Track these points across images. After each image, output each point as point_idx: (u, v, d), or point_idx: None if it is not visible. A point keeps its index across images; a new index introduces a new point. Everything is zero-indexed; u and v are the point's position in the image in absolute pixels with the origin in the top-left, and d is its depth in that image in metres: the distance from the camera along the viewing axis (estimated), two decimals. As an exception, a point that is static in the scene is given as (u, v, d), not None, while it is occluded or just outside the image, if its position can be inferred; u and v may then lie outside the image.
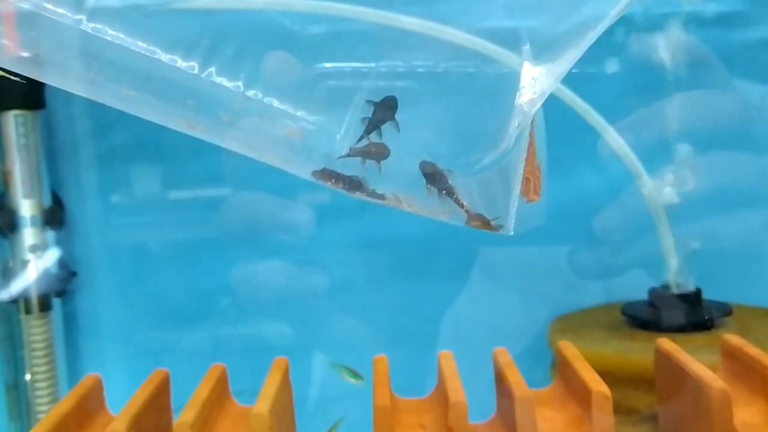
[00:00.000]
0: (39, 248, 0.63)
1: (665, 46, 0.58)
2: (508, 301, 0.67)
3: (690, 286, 0.56)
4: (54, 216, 0.64)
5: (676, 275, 0.56)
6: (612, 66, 0.61)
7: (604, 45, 0.60)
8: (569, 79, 0.60)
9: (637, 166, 0.55)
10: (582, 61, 0.61)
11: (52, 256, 0.65)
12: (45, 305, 0.64)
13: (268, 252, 0.66)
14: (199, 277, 0.68)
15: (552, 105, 0.53)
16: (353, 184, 0.35)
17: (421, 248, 0.67)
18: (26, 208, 0.63)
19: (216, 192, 0.67)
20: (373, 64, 0.35)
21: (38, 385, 0.63)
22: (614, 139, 0.55)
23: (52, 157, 0.66)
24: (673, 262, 0.55)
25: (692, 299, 0.56)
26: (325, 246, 0.66)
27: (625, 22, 0.60)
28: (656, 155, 0.58)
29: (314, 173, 0.35)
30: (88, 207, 0.67)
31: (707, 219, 0.59)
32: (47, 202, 0.64)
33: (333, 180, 0.35)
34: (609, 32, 0.60)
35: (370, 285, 0.68)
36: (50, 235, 0.64)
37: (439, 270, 0.67)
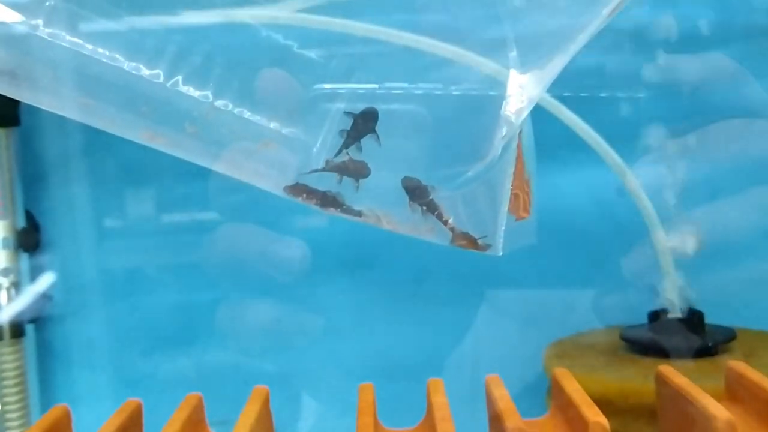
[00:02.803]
0: (11, 271, 0.61)
1: (701, 70, 0.57)
2: (504, 325, 0.65)
3: (692, 310, 0.54)
4: (28, 238, 0.62)
5: (678, 299, 0.53)
6: (643, 90, 0.59)
7: (635, 67, 0.59)
8: (592, 105, 0.60)
9: (652, 215, 0.53)
10: (611, 85, 0.60)
11: (46, 280, 0.63)
12: (17, 332, 0.62)
13: (257, 276, 0.64)
14: (179, 304, 0.66)
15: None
16: (327, 199, 0.33)
17: (414, 272, 0.65)
18: (-2, 229, 0.61)
19: (204, 216, 0.65)
20: (352, 75, 0.33)
21: (9, 415, 0.61)
22: (631, 182, 0.53)
23: (28, 177, 0.64)
24: (674, 285, 0.53)
25: (694, 324, 0.53)
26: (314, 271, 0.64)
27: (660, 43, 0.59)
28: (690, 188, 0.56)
29: (286, 188, 0.33)
30: (64, 229, 0.65)
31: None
32: (21, 223, 0.62)
33: (305, 195, 0.32)
34: (642, 54, 0.60)
35: (360, 310, 0.65)
36: (24, 258, 0.62)
37: (432, 294, 0.65)
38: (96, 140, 0.64)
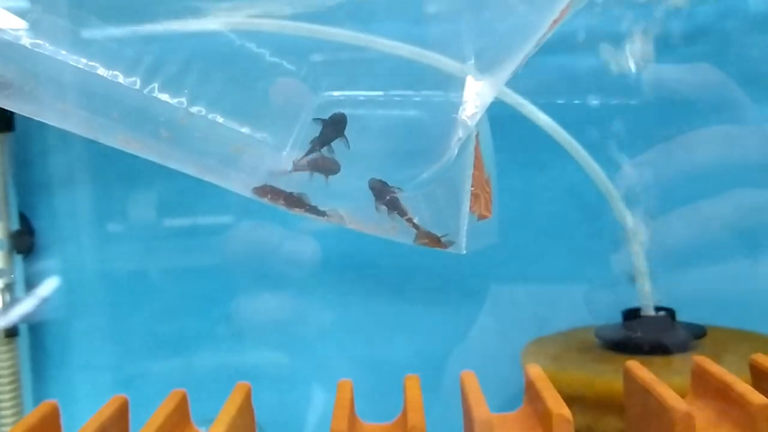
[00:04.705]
0: (5, 273, 0.62)
1: (686, 78, 0.58)
2: (486, 323, 0.66)
3: (664, 308, 0.55)
4: (22, 240, 0.63)
5: (650, 297, 0.55)
6: (630, 98, 0.61)
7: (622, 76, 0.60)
8: (583, 111, 0.61)
9: (628, 220, 0.55)
10: (600, 92, 0.61)
11: (50, 284, 0.64)
12: (11, 331, 0.63)
13: (245, 277, 0.65)
14: (175, 305, 0.67)
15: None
16: (292, 200, 0.34)
17: (399, 270, 0.66)
18: (-8, 231, 0.62)
19: (202, 220, 0.66)
20: (322, 82, 0.35)
21: (3, 413, 0.62)
22: (603, 182, 0.54)
23: (22, 181, 0.66)
24: (647, 284, 0.54)
25: (666, 321, 0.54)
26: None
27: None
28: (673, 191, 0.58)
29: (254, 189, 0.34)
30: (59, 231, 0.66)
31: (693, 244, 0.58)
32: (15, 225, 0.63)
33: (269, 196, 0.34)
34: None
35: (346, 307, 0.67)
36: (18, 260, 0.63)
37: (416, 291, 0.66)
38: (90, 143, 0.65)
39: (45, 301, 0.65)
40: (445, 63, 0.33)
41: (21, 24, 0.32)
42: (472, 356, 0.64)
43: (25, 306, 0.63)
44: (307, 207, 0.34)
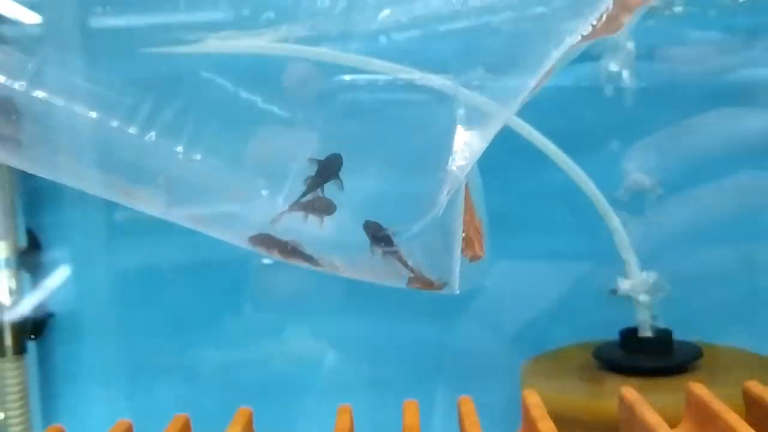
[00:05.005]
0: (13, 291, 0.62)
1: (690, 62, 0.58)
2: (487, 341, 0.67)
3: (661, 328, 0.56)
4: (29, 258, 0.64)
5: (647, 317, 0.55)
6: (635, 81, 0.60)
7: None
8: (583, 93, 0.60)
9: (622, 235, 0.55)
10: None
11: (61, 274, 0.65)
12: (19, 348, 0.63)
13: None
14: (179, 321, 0.67)
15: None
16: (287, 250, 0.35)
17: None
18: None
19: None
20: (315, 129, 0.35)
21: (12, 429, 0.63)
22: (592, 191, 0.55)
23: (30, 197, 0.66)
24: (644, 304, 0.55)
25: (663, 342, 0.55)
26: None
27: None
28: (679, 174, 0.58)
29: (250, 239, 0.35)
30: (66, 249, 0.66)
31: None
32: (22, 243, 0.64)
33: (266, 246, 0.34)
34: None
35: (346, 326, 0.67)
36: (26, 278, 0.64)
37: (415, 309, 0.66)
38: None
39: (45, 314, 0.66)
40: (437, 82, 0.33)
41: (33, 18, 0.33)
42: (471, 374, 0.65)
43: (35, 298, 0.64)
44: (302, 256, 0.35)
